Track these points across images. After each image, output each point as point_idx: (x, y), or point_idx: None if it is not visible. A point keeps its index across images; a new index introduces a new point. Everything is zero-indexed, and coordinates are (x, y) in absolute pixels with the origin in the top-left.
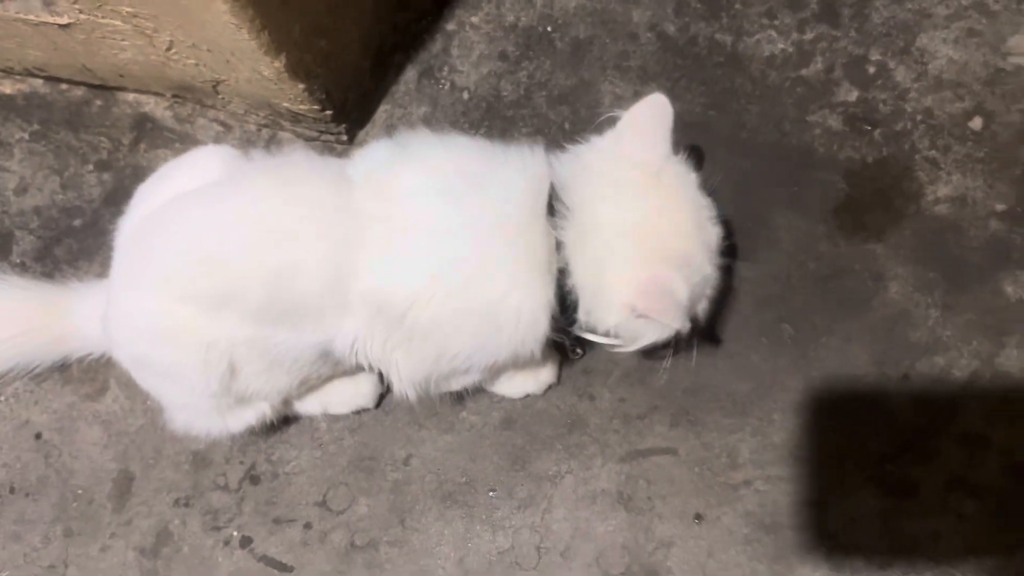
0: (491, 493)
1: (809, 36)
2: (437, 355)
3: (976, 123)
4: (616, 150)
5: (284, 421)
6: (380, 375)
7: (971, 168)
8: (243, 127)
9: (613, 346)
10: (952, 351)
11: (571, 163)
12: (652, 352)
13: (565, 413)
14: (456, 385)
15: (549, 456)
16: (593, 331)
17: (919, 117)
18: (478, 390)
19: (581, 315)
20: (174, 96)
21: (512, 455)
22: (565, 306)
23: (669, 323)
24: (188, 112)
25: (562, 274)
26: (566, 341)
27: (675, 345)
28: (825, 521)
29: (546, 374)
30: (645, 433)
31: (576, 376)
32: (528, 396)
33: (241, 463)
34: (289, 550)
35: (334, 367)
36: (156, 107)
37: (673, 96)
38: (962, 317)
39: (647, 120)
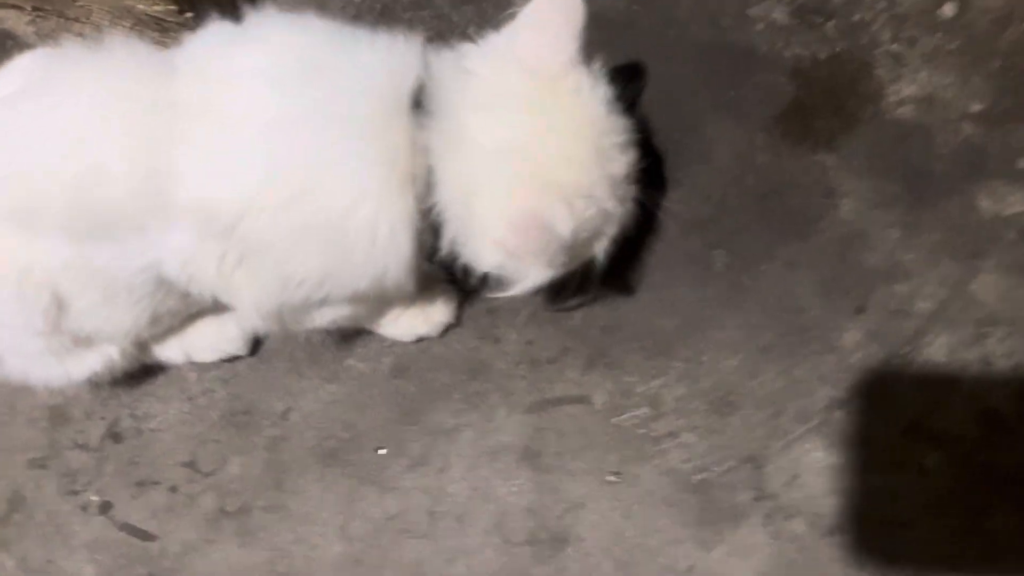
0: (379, 451)
1: None
2: (281, 280)
3: (948, 9)
4: (508, 51)
5: (149, 372)
6: None
7: (941, 62)
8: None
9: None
10: (915, 278)
11: (452, 63)
12: (553, 296)
13: (465, 358)
14: (321, 320)
15: (446, 407)
16: (463, 268)
17: (880, 5)
18: (365, 332)
19: (445, 243)
20: (35, 9)
21: (404, 407)
22: (434, 229)
23: (542, 266)
24: (51, 27)
25: (428, 186)
26: (443, 274)
27: (575, 289)
28: (762, 479)
29: (440, 313)
30: (555, 379)
31: (479, 316)
32: (422, 339)
33: (102, 419)
34: (152, 516)
35: (185, 301)
36: (17, 22)
37: None
38: (928, 237)
39: (550, 15)
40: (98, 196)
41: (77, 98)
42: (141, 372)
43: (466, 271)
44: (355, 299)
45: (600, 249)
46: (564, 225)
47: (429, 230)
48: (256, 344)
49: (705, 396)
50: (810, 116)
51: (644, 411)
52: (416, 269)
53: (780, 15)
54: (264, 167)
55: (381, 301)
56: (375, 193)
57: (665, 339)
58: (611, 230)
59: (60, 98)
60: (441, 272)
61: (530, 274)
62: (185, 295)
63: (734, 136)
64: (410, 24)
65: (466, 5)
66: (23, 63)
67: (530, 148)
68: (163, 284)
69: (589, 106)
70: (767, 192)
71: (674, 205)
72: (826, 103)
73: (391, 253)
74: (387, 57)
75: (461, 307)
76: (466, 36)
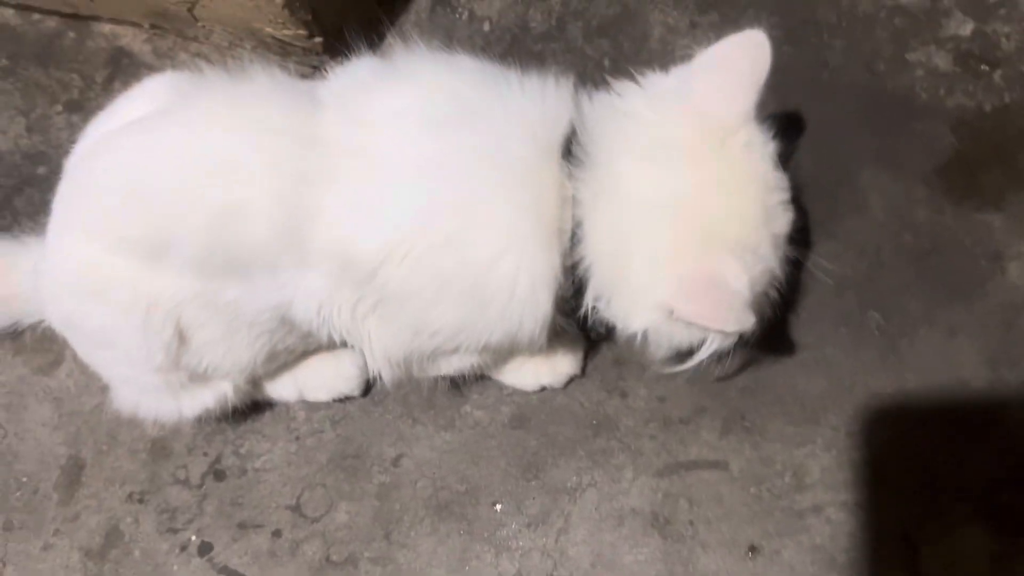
0: (496, 506)
1: None
2: (415, 328)
3: None
4: (680, 97)
5: (256, 408)
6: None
7: None
8: (228, 63)
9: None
10: None
11: (608, 105)
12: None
13: (590, 412)
14: (447, 369)
15: (568, 464)
16: (606, 328)
17: None
18: (484, 379)
19: (588, 301)
20: (152, 27)
21: (523, 461)
22: (574, 283)
23: (730, 328)
24: (168, 46)
25: (574, 240)
26: (576, 329)
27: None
28: (916, 562)
29: (566, 363)
30: (689, 441)
31: (605, 367)
32: (544, 389)
33: (205, 455)
34: (254, 561)
35: (305, 340)
36: (134, 40)
37: (739, 28)
38: None
39: (734, 62)
40: (238, 231)
41: (220, 127)
42: (248, 408)
43: (606, 329)
44: (485, 350)
45: (759, 311)
46: (739, 281)
47: (570, 287)
48: (369, 386)
49: (855, 469)
50: (975, 171)
51: (787, 481)
52: (551, 324)
53: (942, 61)
54: (412, 212)
55: (510, 351)
56: (520, 245)
57: (812, 404)
58: (771, 291)
59: (202, 125)
60: (574, 328)
61: (693, 341)
62: (307, 335)
63: (891, 188)
64: (540, 57)
65: (601, 38)
66: (152, 85)
67: (695, 203)
68: (286, 322)
69: (758, 162)
70: (927, 251)
71: (826, 260)
72: (993, 158)
73: (528, 309)
74: (540, 100)
75: (587, 358)
76: (601, 70)
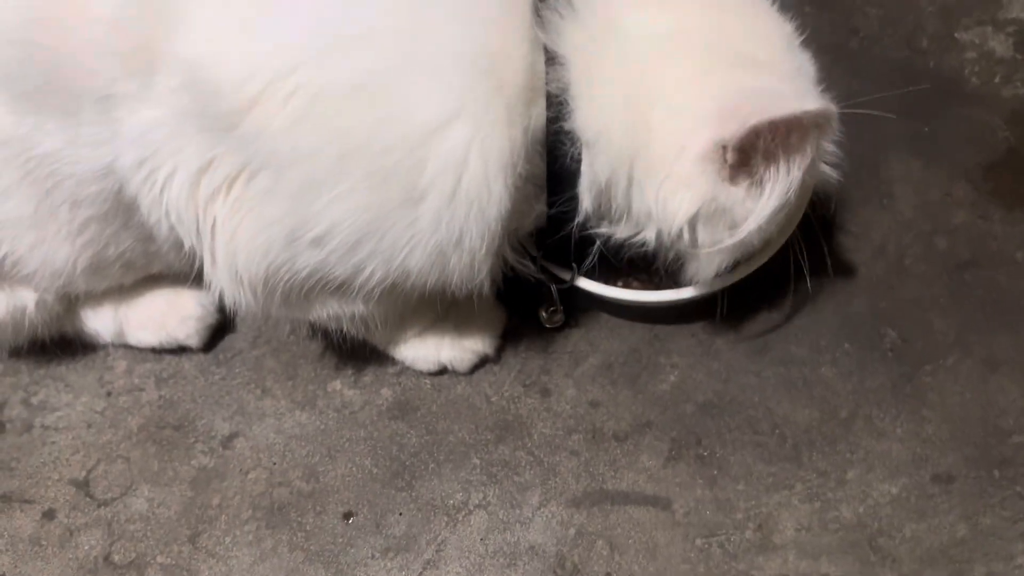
0: (349, 518)
1: None
2: (291, 225)
3: None
4: None
5: (66, 347)
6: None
7: None
8: None
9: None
10: None
11: None
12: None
13: (497, 410)
14: (322, 312)
15: (455, 474)
16: (625, 238)
17: None
18: (366, 348)
19: (588, 194)
20: None
21: (396, 462)
22: (558, 175)
23: (808, 106)
24: None
25: (556, 111)
26: (537, 273)
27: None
28: None
29: (478, 339)
30: (622, 465)
31: (528, 354)
32: (444, 371)
33: None
34: (9, 547)
35: (144, 248)
36: None
37: None
38: None
39: None
40: (61, 37)
41: None
42: (55, 344)
43: (618, 247)
44: (391, 290)
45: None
46: (787, 103)
47: (541, 185)
48: (214, 338)
49: (844, 531)
50: None
51: (748, 536)
52: (500, 252)
53: (999, 45)
54: (312, 30)
55: (418, 301)
56: (475, 109)
57: (795, 437)
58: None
59: None
60: (532, 267)
61: (767, 192)
62: (147, 237)
63: (924, 181)
64: None
65: None
66: None
67: (715, 31)
68: (121, 207)
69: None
70: (965, 262)
71: (835, 256)
72: None
73: (476, 211)
74: None
75: (505, 338)
76: None
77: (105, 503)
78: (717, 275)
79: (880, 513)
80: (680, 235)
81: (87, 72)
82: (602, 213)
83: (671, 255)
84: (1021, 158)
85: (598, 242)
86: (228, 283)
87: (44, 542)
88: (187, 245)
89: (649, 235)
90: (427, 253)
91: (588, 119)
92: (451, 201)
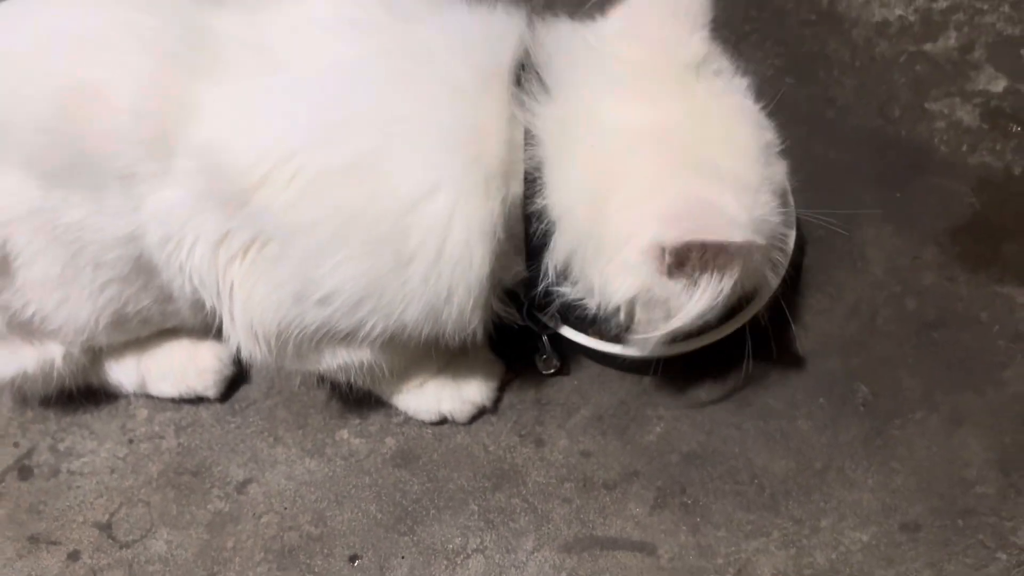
0: (354, 561)
1: (942, 5)
2: (298, 289)
3: None
4: (630, 29)
5: (91, 396)
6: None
7: None
8: None
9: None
10: None
11: (564, 35)
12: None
13: (494, 459)
14: (331, 363)
15: (455, 520)
16: (575, 304)
17: None
18: (371, 399)
19: (550, 265)
20: None
21: (399, 508)
22: (530, 245)
23: (735, 237)
24: None
25: (530, 187)
26: (523, 320)
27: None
28: None
29: (476, 390)
30: (611, 512)
31: (523, 406)
32: (445, 422)
33: (16, 445)
34: None
35: (163, 306)
36: None
37: (738, 53)
38: None
39: None
40: (91, 118)
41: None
42: (82, 394)
43: (570, 311)
44: (393, 338)
45: (764, 282)
46: (731, 202)
47: (519, 248)
48: (230, 389)
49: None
50: (997, 238)
51: None
52: (487, 304)
53: (967, 115)
54: (309, 120)
55: (421, 349)
56: (457, 181)
57: (772, 487)
58: (777, 256)
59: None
60: (517, 317)
61: (696, 295)
62: (165, 297)
63: (895, 244)
64: None
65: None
66: None
67: (684, 132)
68: (141, 270)
69: (740, 93)
70: (932, 322)
71: (810, 315)
72: (1019, 226)
73: (461, 271)
74: (486, 16)
75: (503, 390)
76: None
77: (127, 545)
78: (667, 343)
79: (851, 560)
80: (617, 312)
81: (111, 155)
82: (564, 276)
83: (613, 324)
84: (986, 223)
85: (557, 300)
86: (245, 337)
87: None
88: (208, 305)
89: (592, 305)
90: (420, 308)
91: (557, 198)
92: (436, 262)
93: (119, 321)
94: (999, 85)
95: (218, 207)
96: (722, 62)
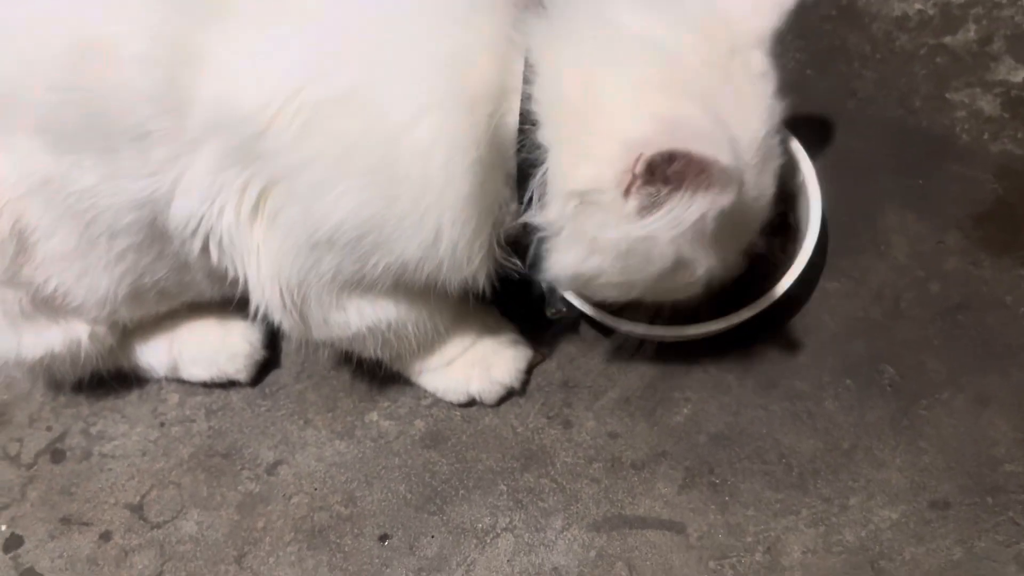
0: (384, 540)
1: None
2: (310, 226)
3: None
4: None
5: (123, 381)
6: (269, 335)
7: None
8: None
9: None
10: None
11: None
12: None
13: (523, 440)
14: (356, 320)
15: (484, 500)
16: (560, 220)
17: None
18: (399, 382)
19: (536, 190)
20: None
21: (428, 488)
22: (522, 171)
23: (716, 156)
24: None
25: (525, 117)
26: (524, 270)
27: None
28: None
29: (504, 371)
30: (639, 492)
31: (551, 388)
32: (473, 403)
33: (49, 429)
34: (69, 566)
35: (180, 276)
36: None
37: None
38: None
39: None
40: (102, 75)
41: None
42: (114, 380)
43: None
44: (402, 283)
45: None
46: (723, 150)
47: (511, 180)
48: (261, 373)
49: (848, 554)
50: (1020, 223)
51: (758, 559)
52: (485, 244)
53: (987, 105)
54: (308, 55)
55: (442, 313)
56: (441, 109)
57: (800, 467)
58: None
59: None
60: (520, 264)
61: (649, 219)
62: (180, 266)
63: (918, 231)
64: None
65: None
66: None
67: (691, 66)
68: (156, 237)
69: (763, 84)
70: (956, 305)
71: (835, 300)
72: None
73: (447, 198)
74: None
75: (530, 373)
76: None
77: (158, 526)
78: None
79: (881, 537)
80: (563, 207)
81: (123, 112)
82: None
83: (542, 243)
84: (1009, 208)
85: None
86: (272, 296)
87: (100, 562)
88: (231, 274)
89: (547, 214)
90: (416, 241)
91: (546, 92)
92: (423, 190)
93: (137, 293)
94: (1019, 75)
95: (235, 160)
96: (765, 61)
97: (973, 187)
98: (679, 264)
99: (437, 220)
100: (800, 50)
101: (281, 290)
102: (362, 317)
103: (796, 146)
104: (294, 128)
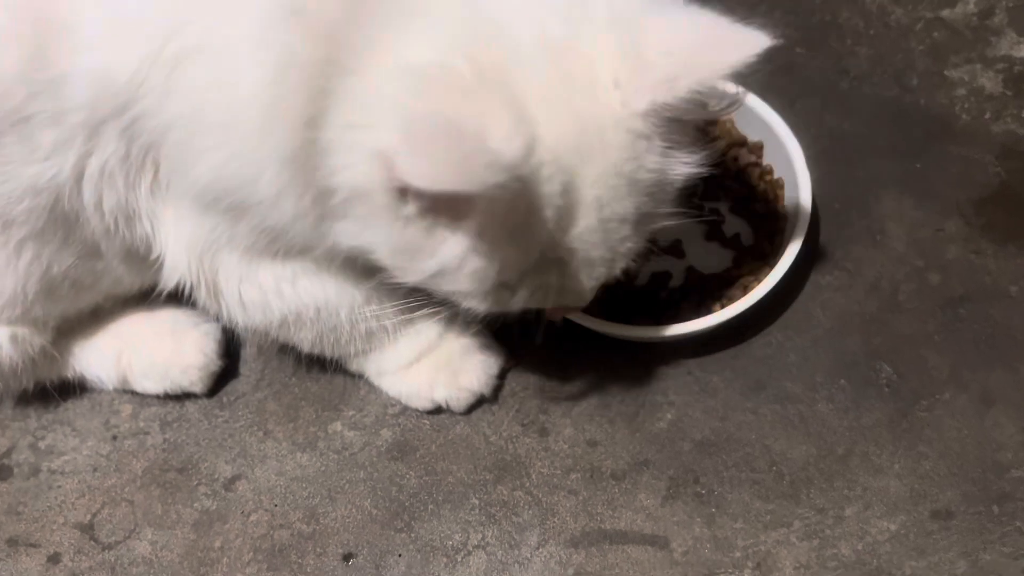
0: (348, 559)
1: None
2: (187, 186)
3: None
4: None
5: (74, 394)
6: (226, 343)
7: None
8: None
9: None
10: None
11: None
12: None
13: (496, 450)
14: (270, 296)
15: (455, 515)
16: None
17: None
18: (365, 391)
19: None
20: None
21: (395, 503)
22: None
23: (439, 176)
24: None
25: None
26: None
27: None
28: None
29: (472, 376)
30: (620, 504)
31: (525, 395)
32: (442, 411)
33: None
34: None
35: (91, 264)
36: None
37: (750, 25)
38: None
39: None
40: None
41: None
42: (66, 392)
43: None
44: (276, 243)
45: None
46: (507, 143)
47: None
48: (218, 382)
49: (843, 569)
50: None
51: (747, 574)
52: (308, 197)
53: (989, 82)
54: (161, 5)
55: (373, 295)
56: (268, 40)
57: (792, 474)
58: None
59: None
60: None
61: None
62: (90, 253)
63: (916, 217)
64: None
65: None
66: None
67: (528, 65)
68: (58, 223)
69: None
70: (959, 296)
71: (829, 293)
72: None
73: (262, 131)
74: None
75: (503, 379)
76: None
77: (109, 547)
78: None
79: (879, 551)
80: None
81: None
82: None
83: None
84: (1013, 192)
85: None
86: (184, 273)
87: None
88: (149, 253)
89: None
90: (261, 196)
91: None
92: (251, 128)
93: (49, 287)
94: (1022, 50)
95: (126, 132)
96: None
97: (974, 170)
98: (444, 271)
99: (263, 159)
100: (789, 26)
101: (190, 263)
102: (283, 299)
103: (778, 121)
104: (161, 89)
